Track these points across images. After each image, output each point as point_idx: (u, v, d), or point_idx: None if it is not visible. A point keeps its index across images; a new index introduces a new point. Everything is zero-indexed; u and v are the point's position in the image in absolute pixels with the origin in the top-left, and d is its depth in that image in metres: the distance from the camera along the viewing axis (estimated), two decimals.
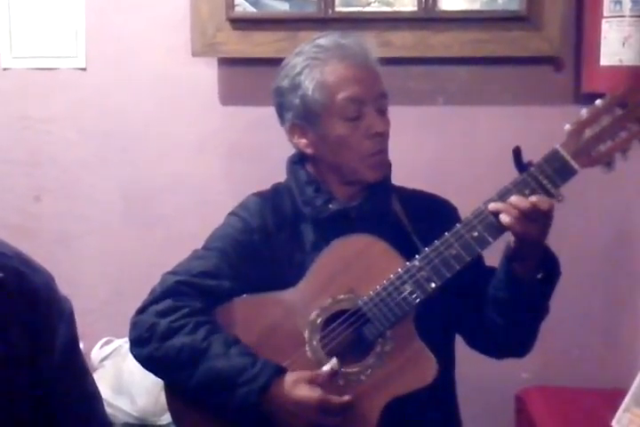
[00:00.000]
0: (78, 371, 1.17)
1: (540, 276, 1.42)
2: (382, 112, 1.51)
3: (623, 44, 2.11)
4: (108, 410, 2.06)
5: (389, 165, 1.55)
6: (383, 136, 1.50)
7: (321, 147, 1.52)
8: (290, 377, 1.39)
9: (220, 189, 2.29)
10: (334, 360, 1.40)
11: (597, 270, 2.26)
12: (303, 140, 1.53)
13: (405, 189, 1.61)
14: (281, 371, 1.40)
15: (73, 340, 1.16)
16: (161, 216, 2.32)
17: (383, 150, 1.51)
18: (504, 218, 1.34)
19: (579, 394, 2.12)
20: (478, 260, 1.48)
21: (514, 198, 1.34)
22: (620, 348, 2.26)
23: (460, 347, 1.60)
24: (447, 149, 2.27)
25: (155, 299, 1.48)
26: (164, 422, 2.09)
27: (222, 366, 1.40)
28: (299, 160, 1.57)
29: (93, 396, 1.19)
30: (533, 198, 1.34)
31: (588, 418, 1.95)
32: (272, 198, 1.57)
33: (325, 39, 1.51)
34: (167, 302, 1.46)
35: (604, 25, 2.12)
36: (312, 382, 1.38)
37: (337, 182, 1.53)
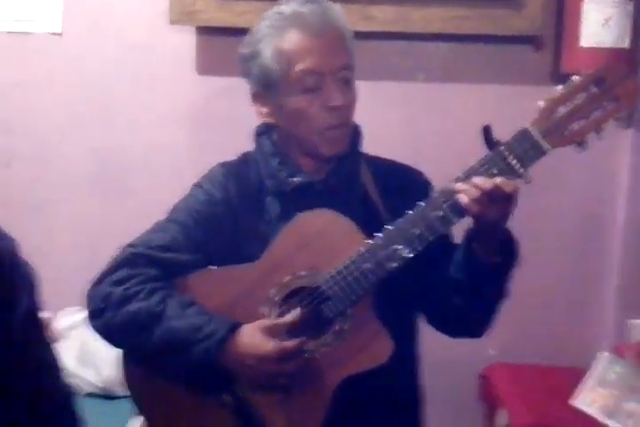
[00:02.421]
0: (37, 340, 1.15)
1: (497, 260, 1.39)
2: (345, 83, 1.45)
3: (603, 25, 2.11)
4: (73, 380, 2.06)
5: (357, 137, 1.51)
6: (342, 110, 1.44)
7: (280, 117, 1.48)
8: (247, 328, 1.38)
9: (195, 158, 2.26)
10: (296, 311, 1.38)
11: (564, 249, 2.28)
12: (264, 109, 1.50)
13: (379, 160, 1.58)
14: (238, 325, 1.39)
15: (34, 308, 1.14)
16: (135, 186, 2.30)
17: (342, 124, 1.46)
18: (462, 198, 1.31)
19: (543, 371, 2.15)
20: (446, 237, 1.47)
21: (477, 179, 1.31)
22: (585, 326, 2.29)
23: (426, 323, 1.60)
24: (426, 125, 2.27)
25: (110, 270, 1.47)
26: (128, 393, 2.09)
27: (179, 325, 1.39)
28: (265, 130, 1.54)
29: (53, 367, 1.18)
30: (497, 180, 1.30)
31: (551, 395, 1.97)
32: (238, 169, 1.54)
33: (287, 6, 1.46)
34: (122, 272, 1.45)
35: (585, 6, 2.12)
36: (270, 332, 1.37)
37: (301, 155, 1.50)
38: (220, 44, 2.25)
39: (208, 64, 2.27)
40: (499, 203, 1.31)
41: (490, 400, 2.14)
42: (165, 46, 2.26)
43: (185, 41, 2.25)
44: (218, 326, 1.38)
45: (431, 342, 1.60)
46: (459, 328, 1.55)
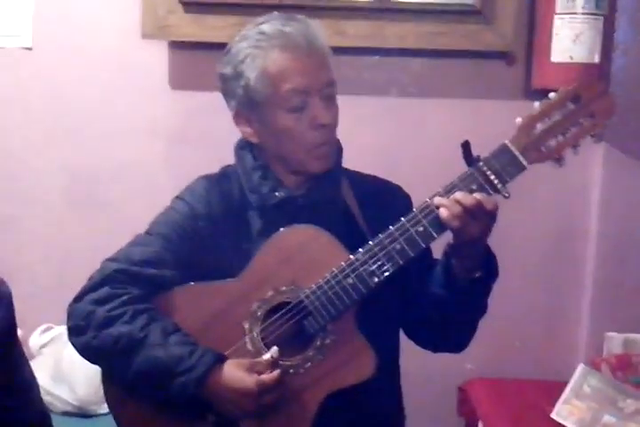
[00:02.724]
0: (15, 359, 1.13)
1: (477, 275, 1.40)
2: (329, 100, 1.46)
3: (574, 40, 2.13)
4: (47, 398, 2.03)
5: (339, 152, 1.52)
6: (328, 127, 1.45)
7: (265, 136, 1.48)
8: (228, 365, 1.38)
9: (168, 174, 2.25)
10: (274, 349, 1.38)
11: (540, 265, 2.30)
12: (248, 129, 1.50)
13: (359, 175, 1.59)
14: (220, 359, 1.38)
15: (10, 326, 1.12)
16: (107, 201, 2.28)
17: (328, 141, 1.47)
18: (443, 212, 1.32)
19: (520, 385, 2.15)
20: (426, 252, 1.47)
21: (458, 194, 1.32)
22: (562, 341, 2.30)
23: (404, 337, 1.60)
24: (398, 140, 2.27)
25: (92, 287, 1.45)
26: (104, 412, 2.06)
27: (160, 355, 1.37)
28: (246, 145, 1.53)
29: (30, 385, 1.15)
30: (478, 196, 1.31)
31: (529, 409, 1.98)
32: (220, 182, 1.54)
33: (269, 25, 1.45)
34: (105, 290, 1.43)
35: (557, 21, 2.14)
36: (250, 369, 1.37)
37: (283, 170, 1.50)
38: (193, 58, 2.24)
39: (181, 79, 2.26)
40: (479, 219, 1.32)
41: (468, 415, 2.14)
42: (138, 61, 2.25)
43: (157, 56, 2.24)
44: (197, 360, 1.37)
45: (409, 356, 1.60)
46: (439, 343, 1.55)
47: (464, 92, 2.26)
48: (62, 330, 2.16)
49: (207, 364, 1.36)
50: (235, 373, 1.36)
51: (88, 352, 1.45)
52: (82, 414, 2.08)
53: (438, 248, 1.45)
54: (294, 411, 1.40)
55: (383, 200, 1.54)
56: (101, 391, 2.01)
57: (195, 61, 2.24)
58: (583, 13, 2.12)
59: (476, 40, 2.19)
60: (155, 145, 2.27)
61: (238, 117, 1.50)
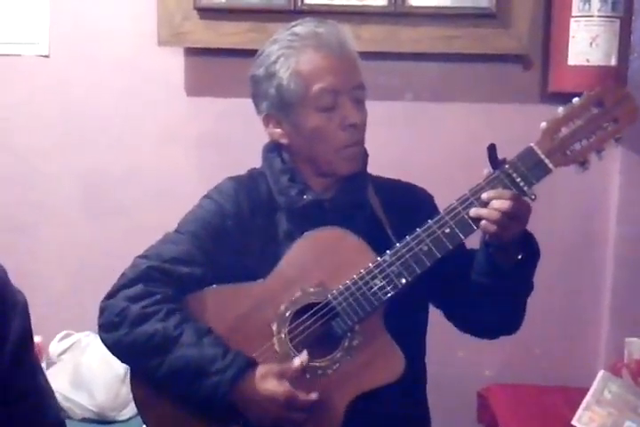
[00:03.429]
0: (30, 367, 1.13)
1: (520, 256, 1.42)
2: (359, 103, 1.48)
3: (591, 43, 2.12)
4: (66, 405, 2.04)
5: (365, 157, 1.54)
6: (358, 127, 1.47)
7: (295, 137, 1.49)
8: (259, 370, 1.38)
9: (183, 180, 2.25)
10: (304, 354, 1.39)
11: (559, 270, 2.27)
12: (278, 130, 1.51)
13: (382, 179, 1.60)
14: (251, 363, 1.39)
15: (26, 335, 1.12)
16: (121, 207, 2.28)
17: (358, 142, 1.49)
18: (483, 224, 1.35)
19: (540, 392, 2.13)
20: (460, 247, 1.48)
21: (495, 202, 1.34)
22: (582, 347, 2.27)
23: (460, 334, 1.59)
24: (414, 145, 2.27)
25: (126, 283, 1.46)
26: (124, 418, 2.06)
27: (193, 354, 1.38)
28: (274, 148, 1.54)
29: (45, 392, 1.15)
30: (511, 197, 1.33)
31: (549, 416, 1.96)
32: (248, 184, 1.55)
33: (301, 27, 1.48)
34: (138, 287, 1.44)
35: (573, 24, 2.13)
36: (281, 376, 1.37)
37: (312, 173, 1.51)
38: (209, 65, 2.25)
39: (196, 85, 2.26)
40: (517, 219, 1.35)
41: (488, 421, 2.12)
42: (153, 68, 2.26)
43: (173, 62, 2.25)
44: (231, 361, 1.37)
45: (427, 363, 1.58)
46: (494, 329, 1.56)
47: (480, 97, 2.25)
48: (81, 336, 2.17)
49: (240, 366, 1.37)
50: (265, 378, 1.37)
51: (119, 349, 1.45)
52: (100, 420, 2.07)
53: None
54: (322, 413, 1.40)
55: (408, 204, 1.55)
56: (120, 397, 2.04)
57: (210, 68, 2.25)
58: (599, 16, 2.11)
59: (491, 44, 2.18)
60: (170, 151, 2.28)
61: (269, 119, 1.51)
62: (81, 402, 2.07)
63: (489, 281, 1.43)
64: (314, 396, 1.36)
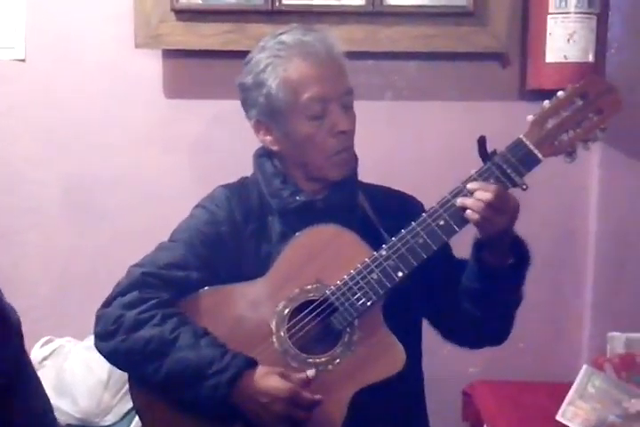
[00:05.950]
0: (32, 382, 1.13)
1: (510, 261, 1.44)
2: (347, 109, 1.50)
3: (568, 40, 2.13)
4: None
5: (355, 161, 1.55)
6: (348, 134, 1.49)
7: (286, 144, 1.51)
8: (261, 369, 1.38)
9: (164, 183, 2.24)
10: (312, 372, 1.39)
11: (541, 266, 2.24)
12: (268, 137, 1.53)
13: (371, 186, 1.61)
14: (251, 363, 1.39)
15: (20, 353, 1.12)
16: (105, 212, 2.27)
17: (348, 148, 1.51)
18: (468, 213, 1.36)
19: (525, 388, 2.14)
20: (448, 253, 1.52)
21: (478, 193, 1.36)
22: (565, 342, 2.29)
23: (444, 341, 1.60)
24: (395, 144, 2.27)
25: (120, 291, 1.46)
26: (107, 424, 2.05)
27: (191, 357, 1.38)
28: (265, 153, 1.56)
29: (46, 407, 1.15)
30: (495, 190, 1.35)
31: (534, 411, 1.97)
32: (239, 190, 1.56)
33: (288, 35, 1.49)
34: (133, 295, 1.44)
35: (550, 21, 2.14)
36: (283, 375, 1.37)
37: (303, 177, 1.53)
38: (187, 66, 2.24)
39: (175, 87, 2.25)
40: (502, 211, 1.37)
41: (473, 418, 2.12)
42: (131, 70, 2.24)
43: (151, 65, 2.24)
44: (230, 362, 1.37)
45: None
46: (481, 338, 1.57)
47: (459, 94, 2.25)
48: (63, 342, 2.15)
49: (239, 366, 1.37)
50: (268, 376, 1.37)
51: (116, 356, 1.45)
52: (84, 426, 2.06)
53: (458, 248, 1.44)
54: (325, 408, 1.40)
55: (398, 209, 1.56)
56: (103, 403, 2.03)
57: (189, 70, 2.24)
58: (576, 13, 2.12)
59: (469, 42, 2.18)
60: (150, 154, 2.26)
61: (258, 126, 1.53)
62: (64, 408, 2.05)
63: (479, 286, 1.45)
64: (318, 397, 1.36)
